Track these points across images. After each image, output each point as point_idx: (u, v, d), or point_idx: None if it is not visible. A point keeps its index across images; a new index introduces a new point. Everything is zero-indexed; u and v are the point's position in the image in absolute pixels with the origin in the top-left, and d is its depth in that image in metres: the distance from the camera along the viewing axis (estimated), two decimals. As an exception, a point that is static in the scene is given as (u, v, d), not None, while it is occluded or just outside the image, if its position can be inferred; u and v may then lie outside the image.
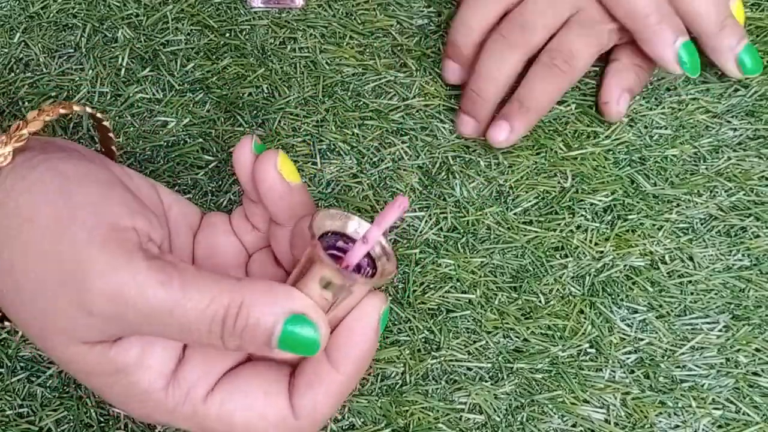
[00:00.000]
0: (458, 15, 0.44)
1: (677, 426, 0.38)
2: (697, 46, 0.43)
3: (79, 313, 0.28)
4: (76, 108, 0.32)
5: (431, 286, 0.40)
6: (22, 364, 0.38)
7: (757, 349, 0.40)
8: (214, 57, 0.45)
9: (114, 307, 0.27)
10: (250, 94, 0.45)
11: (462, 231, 0.42)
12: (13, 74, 0.44)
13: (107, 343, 0.29)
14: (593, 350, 0.39)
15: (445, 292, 0.40)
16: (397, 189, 0.42)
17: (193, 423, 0.30)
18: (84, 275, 0.27)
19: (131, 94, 0.44)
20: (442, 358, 0.39)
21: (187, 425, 0.31)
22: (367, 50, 0.46)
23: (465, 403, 0.38)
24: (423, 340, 0.39)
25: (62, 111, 0.31)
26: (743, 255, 0.42)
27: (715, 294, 0.41)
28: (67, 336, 0.29)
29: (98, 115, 0.34)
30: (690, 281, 0.41)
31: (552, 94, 0.43)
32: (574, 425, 0.38)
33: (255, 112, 0.44)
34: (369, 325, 0.31)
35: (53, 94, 0.44)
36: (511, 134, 0.42)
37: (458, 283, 0.40)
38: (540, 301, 0.40)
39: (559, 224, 0.42)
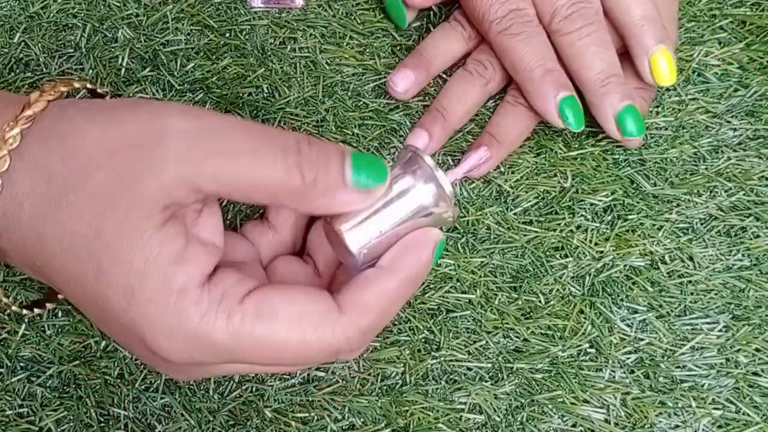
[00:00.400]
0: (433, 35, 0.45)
1: (677, 426, 0.38)
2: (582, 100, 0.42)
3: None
4: (76, 84, 0.33)
5: (431, 286, 0.40)
6: (22, 364, 0.38)
7: (757, 349, 0.40)
8: (214, 57, 0.45)
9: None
10: (250, 94, 0.45)
11: (462, 231, 0.42)
12: (13, 74, 0.44)
13: (162, 222, 0.28)
14: (593, 350, 0.39)
15: (445, 292, 0.40)
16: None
17: (227, 333, 0.28)
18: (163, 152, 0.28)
19: (131, 94, 0.44)
20: (442, 358, 0.39)
21: (220, 336, 0.28)
22: (367, 50, 0.46)
23: (465, 403, 0.38)
24: (423, 340, 0.39)
25: (63, 88, 0.31)
26: (743, 255, 0.42)
27: (715, 294, 0.41)
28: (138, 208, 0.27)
29: (99, 90, 0.34)
30: (690, 281, 0.41)
31: (521, 130, 0.43)
32: (574, 425, 0.38)
33: (255, 112, 0.44)
34: (427, 243, 0.31)
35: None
36: (484, 165, 0.42)
37: (458, 283, 0.40)
38: (540, 301, 0.40)
39: (559, 224, 0.42)
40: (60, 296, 0.38)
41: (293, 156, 0.29)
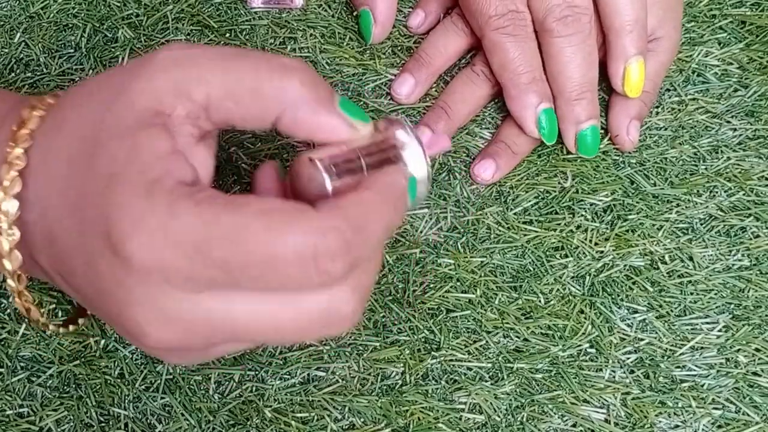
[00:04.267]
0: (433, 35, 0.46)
1: (677, 426, 0.38)
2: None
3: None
4: (50, 101, 0.32)
5: (431, 286, 0.40)
6: (22, 364, 0.38)
7: (757, 349, 0.40)
8: (214, 57, 0.45)
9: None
10: (250, 94, 0.45)
11: (462, 231, 0.42)
12: (13, 74, 0.44)
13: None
14: (593, 350, 0.39)
15: (445, 292, 0.40)
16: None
17: (194, 218, 0.26)
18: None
19: (131, 94, 0.44)
20: (442, 358, 0.39)
21: (187, 222, 0.26)
22: (367, 50, 0.46)
23: (465, 403, 0.38)
24: (423, 340, 0.39)
25: (51, 101, 0.31)
26: (743, 255, 0.42)
27: (715, 294, 0.41)
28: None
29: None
30: (690, 281, 0.41)
31: (537, 141, 0.44)
32: (574, 425, 0.38)
33: (255, 112, 0.44)
34: (399, 170, 0.30)
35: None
36: (497, 173, 0.42)
37: (458, 283, 0.40)
38: (540, 301, 0.40)
39: (559, 224, 0.42)
40: (88, 313, 0.37)
41: (289, 69, 0.29)
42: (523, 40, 0.42)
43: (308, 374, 0.38)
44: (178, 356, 0.30)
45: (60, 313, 0.39)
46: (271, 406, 0.38)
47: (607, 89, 0.44)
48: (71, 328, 0.36)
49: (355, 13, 0.46)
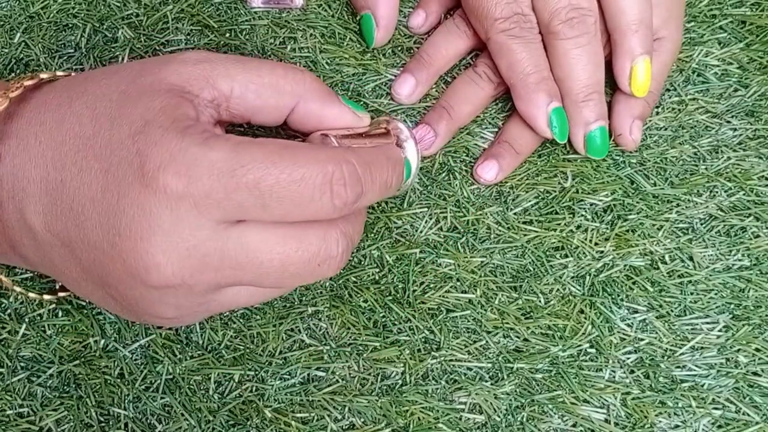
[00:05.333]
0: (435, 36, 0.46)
1: (677, 426, 0.38)
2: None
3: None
4: (43, 75, 0.34)
5: (431, 286, 0.40)
6: (22, 364, 0.38)
7: (757, 349, 0.40)
8: (214, 57, 0.45)
9: None
10: (250, 94, 0.45)
11: (462, 231, 0.42)
12: (13, 74, 0.44)
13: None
14: (593, 350, 0.39)
15: (445, 292, 0.40)
16: (397, 189, 0.42)
17: (224, 150, 0.29)
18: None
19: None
20: (442, 358, 0.39)
21: (217, 155, 0.29)
22: (367, 50, 0.46)
23: (465, 403, 0.38)
24: (423, 340, 0.39)
25: (28, 83, 0.33)
26: (743, 255, 0.42)
27: (715, 294, 0.41)
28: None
29: (58, 73, 0.35)
30: (690, 281, 0.41)
31: (540, 140, 0.44)
32: (574, 425, 0.38)
33: (255, 112, 0.44)
34: (399, 148, 0.36)
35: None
36: (500, 173, 0.42)
37: (458, 283, 0.40)
38: (540, 301, 0.40)
39: (559, 224, 0.42)
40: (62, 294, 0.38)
41: (299, 69, 0.34)
42: (529, 42, 0.41)
43: (308, 374, 0.38)
44: (175, 306, 0.31)
45: (60, 313, 0.39)
46: (271, 406, 0.38)
47: (610, 89, 0.44)
48: (61, 294, 0.38)
49: (357, 18, 0.46)
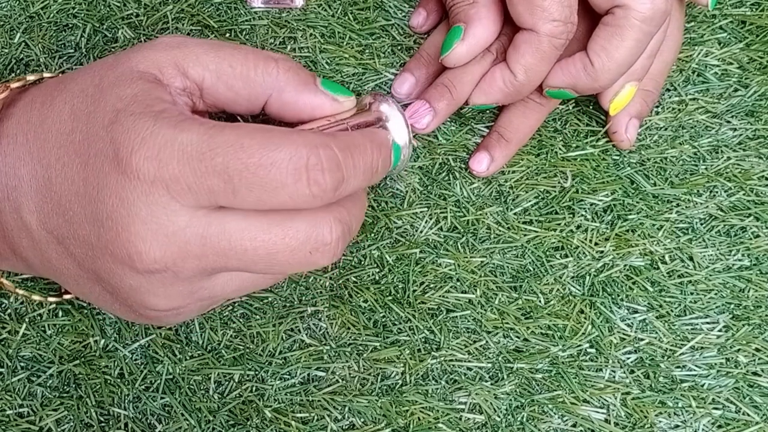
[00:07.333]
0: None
1: (677, 426, 0.38)
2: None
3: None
4: (30, 77, 0.34)
5: (431, 286, 0.40)
6: (22, 364, 0.38)
7: (757, 349, 0.40)
8: (214, 57, 0.45)
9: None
10: (250, 94, 0.45)
11: (462, 231, 0.42)
12: (13, 74, 0.44)
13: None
14: (593, 350, 0.39)
15: (445, 292, 0.40)
16: (398, 189, 0.42)
17: (198, 134, 0.28)
18: None
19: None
20: (442, 358, 0.39)
21: (192, 136, 0.28)
22: (367, 50, 0.46)
23: (465, 403, 0.38)
24: (423, 340, 0.39)
25: (15, 85, 0.33)
26: (743, 255, 0.42)
27: (715, 294, 0.41)
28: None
29: (45, 75, 0.36)
30: (690, 281, 0.41)
31: (531, 126, 0.43)
32: (574, 425, 0.38)
33: (255, 112, 0.44)
34: (384, 132, 0.35)
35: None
36: (492, 164, 0.42)
37: (458, 283, 0.40)
38: (540, 301, 0.40)
39: (559, 224, 0.42)
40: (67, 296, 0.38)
41: (273, 58, 0.33)
42: (557, 57, 0.40)
43: (308, 374, 0.38)
44: (165, 295, 0.31)
45: (60, 313, 0.39)
46: (271, 406, 0.38)
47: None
48: (66, 296, 0.38)
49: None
